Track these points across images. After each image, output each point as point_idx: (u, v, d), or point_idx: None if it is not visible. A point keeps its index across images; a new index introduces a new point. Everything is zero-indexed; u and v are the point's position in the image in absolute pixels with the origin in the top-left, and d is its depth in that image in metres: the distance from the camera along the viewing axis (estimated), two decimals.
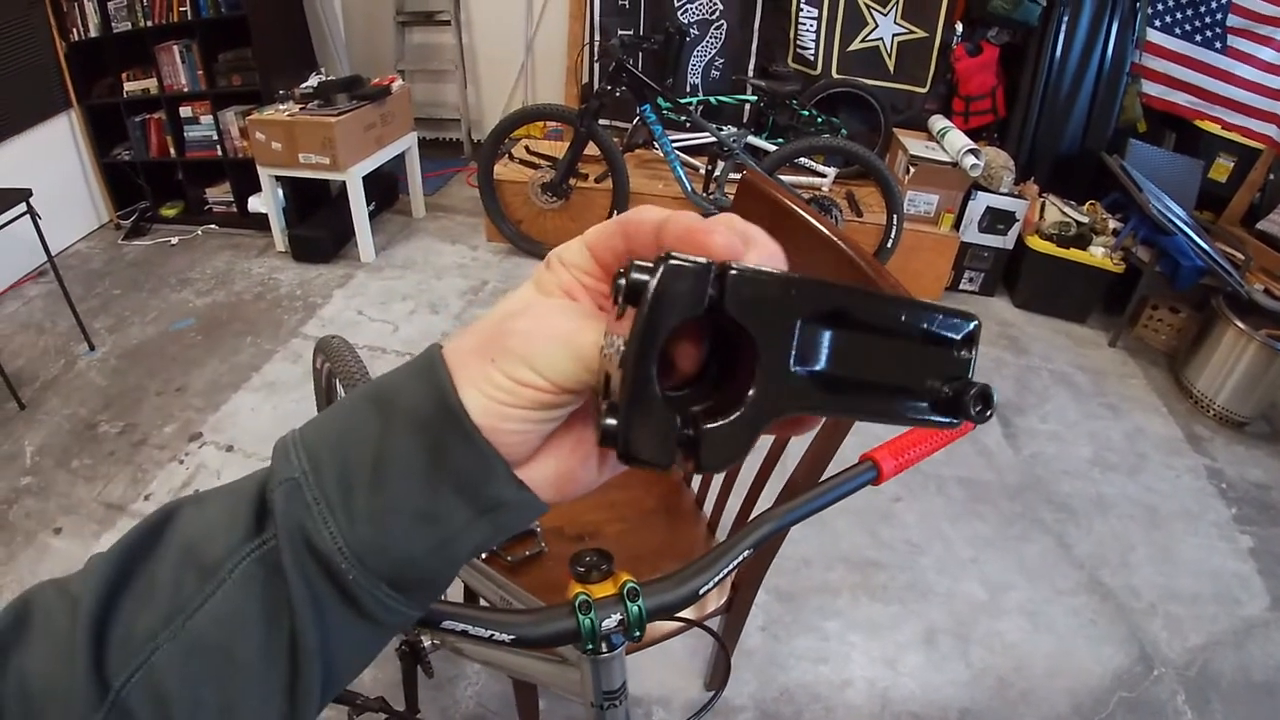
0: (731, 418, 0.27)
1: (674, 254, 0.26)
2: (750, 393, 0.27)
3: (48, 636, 0.31)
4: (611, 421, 0.27)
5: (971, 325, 0.30)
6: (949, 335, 0.30)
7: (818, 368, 0.28)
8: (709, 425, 0.27)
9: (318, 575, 0.30)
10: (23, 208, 2.48)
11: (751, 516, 1.20)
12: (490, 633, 0.56)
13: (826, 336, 0.28)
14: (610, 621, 0.59)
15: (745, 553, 0.63)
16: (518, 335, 0.30)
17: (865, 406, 0.30)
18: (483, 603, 0.98)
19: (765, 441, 1.19)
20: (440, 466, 0.30)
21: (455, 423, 0.30)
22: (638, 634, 0.60)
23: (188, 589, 0.31)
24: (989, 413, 0.29)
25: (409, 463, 0.30)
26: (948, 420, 0.30)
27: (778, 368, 0.27)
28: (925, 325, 0.29)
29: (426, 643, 1.20)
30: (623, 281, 0.26)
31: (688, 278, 0.26)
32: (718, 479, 1.32)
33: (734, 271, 0.26)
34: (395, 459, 0.30)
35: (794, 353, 0.28)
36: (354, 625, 0.31)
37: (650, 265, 0.26)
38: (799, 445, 1.06)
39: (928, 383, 0.30)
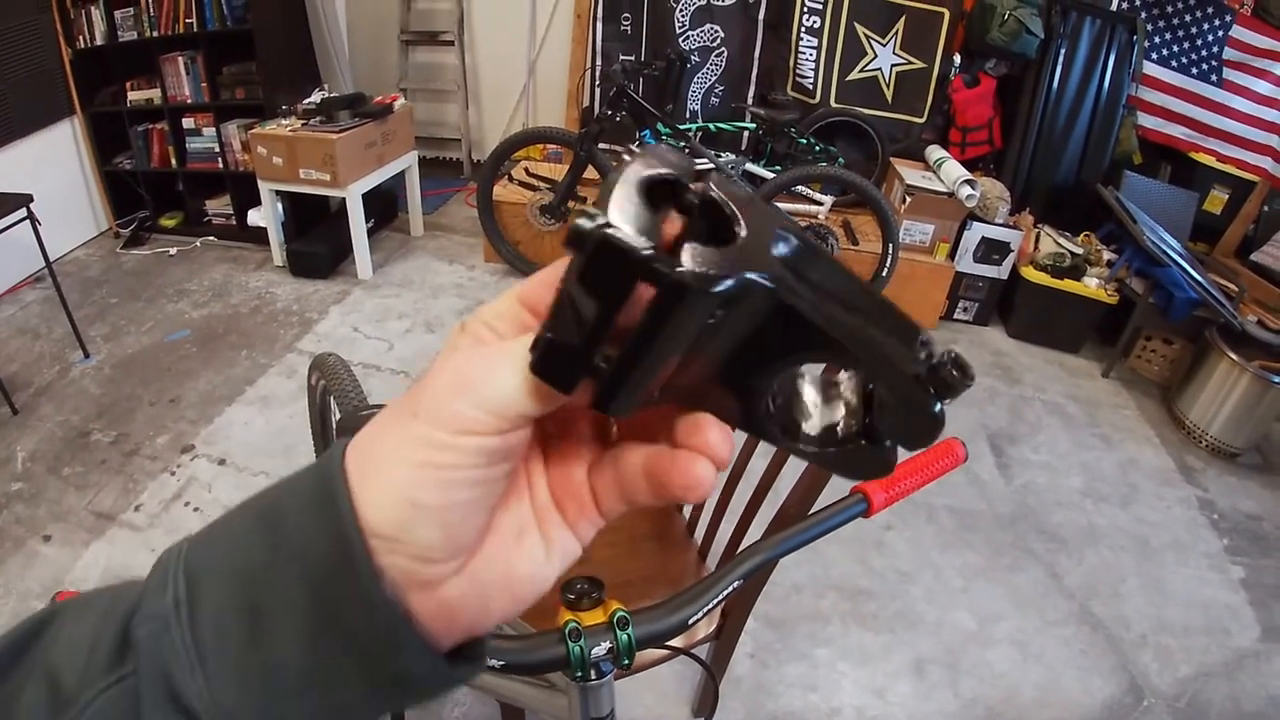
0: (630, 346, 0.24)
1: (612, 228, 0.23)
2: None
3: None
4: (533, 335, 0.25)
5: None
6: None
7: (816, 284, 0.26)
8: (609, 363, 0.25)
9: None
10: (23, 213, 2.49)
11: (742, 545, 1.20)
12: None
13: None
14: (600, 649, 0.59)
15: (735, 583, 0.63)
16: (443, 373, 0.26)
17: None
18: None
19: (756, 470, 1.18)
20: (332, 630, 0.25)
21: (353, 578, 0.25)
22: (627, 662, 0.60)
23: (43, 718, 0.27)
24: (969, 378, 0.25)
25: (292, 619, 0.25)
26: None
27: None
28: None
29: None
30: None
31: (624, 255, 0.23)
32: (709, 507, 1.32)
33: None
34: (277, 611, 0.25)
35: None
36: None
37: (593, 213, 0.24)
38: (791, 474, 1.06)
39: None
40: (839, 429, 0.29)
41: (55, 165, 3.52)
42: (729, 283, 0.24)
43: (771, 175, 3.26)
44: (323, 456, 0.28)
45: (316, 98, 3.36)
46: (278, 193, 3.38)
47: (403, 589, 0.26)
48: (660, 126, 3.20)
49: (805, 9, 3.56)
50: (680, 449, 0.27)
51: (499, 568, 0.28)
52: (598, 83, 3.89)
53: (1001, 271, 3.42)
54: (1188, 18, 3.49)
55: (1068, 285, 3.29)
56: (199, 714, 0.25)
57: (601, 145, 3.19)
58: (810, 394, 0.30)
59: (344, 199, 3.30)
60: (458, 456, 0.25)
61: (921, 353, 0.26)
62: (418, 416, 0.26)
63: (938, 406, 0.26)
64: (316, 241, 3.51)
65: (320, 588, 0.25)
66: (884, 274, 3.18)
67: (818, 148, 3.48)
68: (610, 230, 0.23)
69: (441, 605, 0.27)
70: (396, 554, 0.25)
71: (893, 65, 3.63)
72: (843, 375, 0.30)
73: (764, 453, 1.17)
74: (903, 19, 3.54)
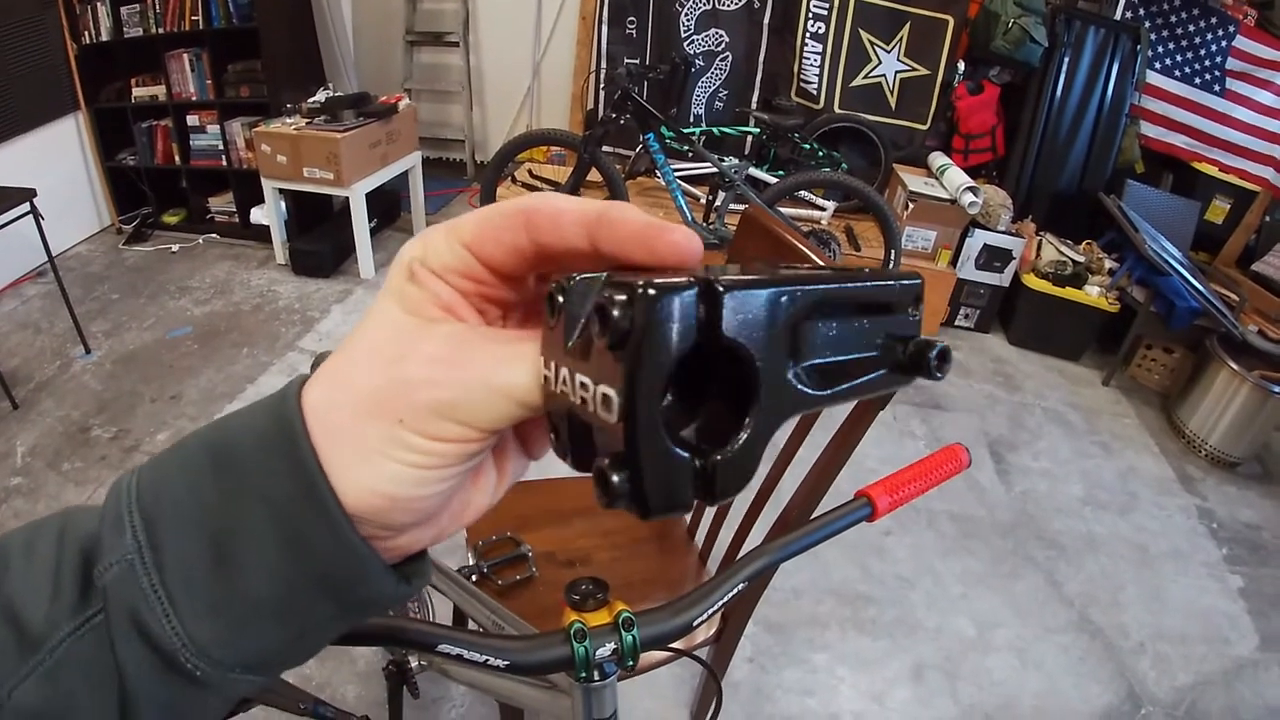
0: (742, 441, 0.24)
1: (653, 282, 0.22)
2: (754, 409, 0.25)
3: None
4: (620, 480, 0.23)
5: (916, 282, 0.29)
6: (903, 299, 0.29)
7: (809, 363, 0.26)
8: (721, 456, 0.24)
9: (158, 666, 0.26)
10: (26, 207, 2.48)
11: (743, 549, 1.20)
12: (484, 658, 0.56)
13: (811, 329, 0.26)
14: (604, 650, 0.59)
15: (740, 586, 0.63)
16: (424, 386, 0.25)
17: (842, 389, 0.28)
18: (472, 626, 0.97)
19: (758, 474, 1.19)
20: (302, 567, 0.26)
21: (323, 518, 0.25)
22: (631, 663, 0.60)
23: (9, 658, 0.27)
24: (947, 367, 0.28)
25: (261, 558, 0.26)
26: (907, 379, 0.29)
27: (778, 376, 0.25)
28: (886, 297, 0.29)
29: (413, 663, 1.20)
30: (562, 299, 0.24)
31: (681, 308, 0.22)
32: (710, 511, 1.32)
33: (725, 291, 0.23)
34: (244, 551, 0.26)
35: (789, 358, 0.25)
36: (198, 701, 0.28)
37: (626, 295, 0.22)
38: (793, 479, 1.06)
39: (886, 348, 0.29)
40: None
41: (59, 160, 3.52)
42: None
43: (775, 180, 3.26)
44: (274, 399, 0.27)
45: (321, 97, 3.37)
46: (281, 191, 3.38)
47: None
48: (664, 130, 3.20)
49: (810, 14, 3.56)
50: None
51: (454, 508, 0.30)
52: (602, 85, 3.90)
53: (1003, 279, 3.42)
54: (1191, 28, 3.49)
55: (1069, 293, 3.29)
56: (174, 651, 0.26)
57: (605, 148, 3.19)
58: None
59: (347, 198, 3.30)
60: (443, 460, 0.26)
61: (903, 344, 0.29)
62: (404, 423, 0.25)
63: (911, 377, 0.29)
64: (319, 240, 3.51)
65: (288, 527, 0.25)
66: None
67: (821, 153, 3.49)
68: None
69: (396, 544, 0.28)
70: (363, 525, 0.26)
71: (897, 72, 3.63)
72: None
73: (766, 457, 1.17)
74: (907, 26, 3.55)
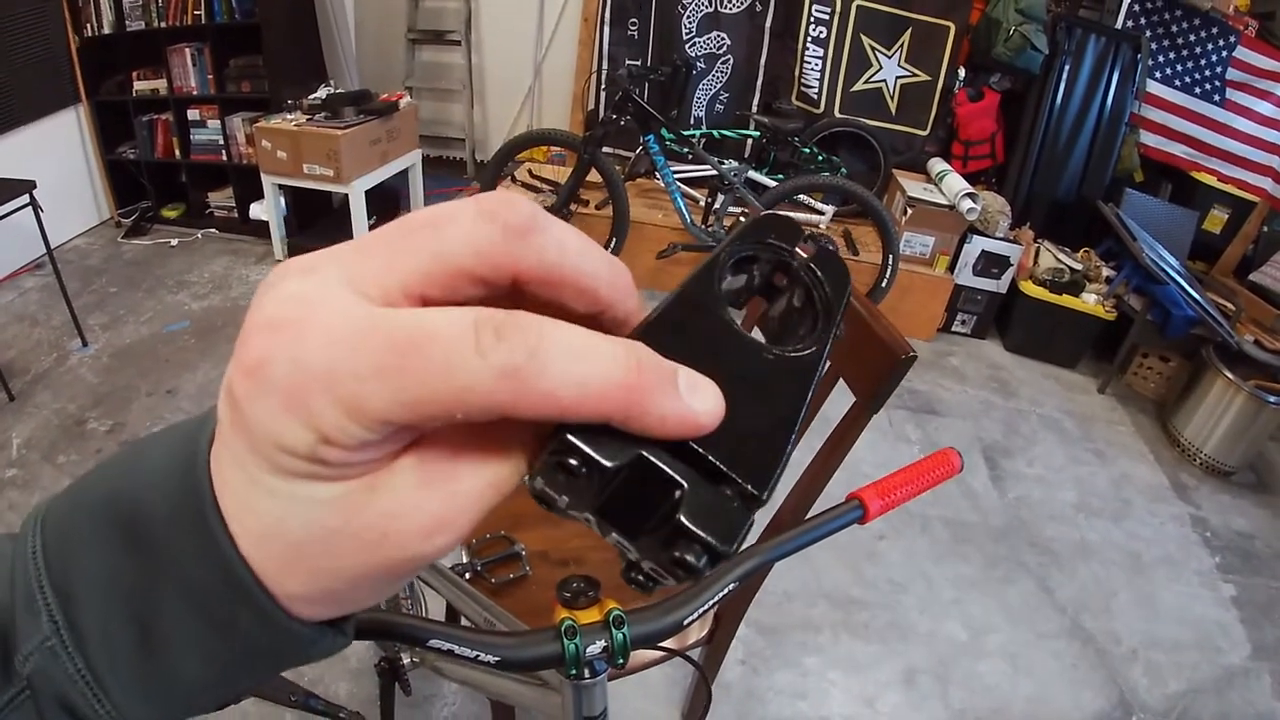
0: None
1: (737, 536, 0.21)
2: None
3: None
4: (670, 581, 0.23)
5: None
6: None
7: None
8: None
9: None
10: (25, 199, 2.48)
11: None
12: (475, 654, 0.56)
13: None
14: (594, 648, 0.59)
15: (731, 585, 0.63)
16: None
17: None
18: (464, 622, 0.98)
19: None
20: (233, 644, 0.24)
21: (245, 600, 0.23)
22: (621, 661, 0.61)
23: None
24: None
25: (189, 639, 0.24)
26: None
27: None
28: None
29: (406, 660, 1.20)
30: (579, 466, 0.21)
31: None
32: None
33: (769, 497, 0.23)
34: (170, 633, 0.24)
35: None
36: None
37: (702, 548, 0.21)
38: (785, 482, 1.07)
39: None
40: None
41: (59, 153, 3.51)
42: None
43: (774, 183, 3.26)
44: (180, 451, 0.24)
45: (322, 93, 3.37)
46: (280, 187, 3.38)
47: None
48: (664, 132, 3.21)
49: (812, 19, 3.57)
50: None
51: None
52: (603, 86, 3.90)
53: (1000, 285, 3.43)
54: (1192, 37, 3.50)
55: (1066, 300, 3.30)
56: None
57: (605, 149, 3.19)
58: None
59: (347, 195, 3.30)
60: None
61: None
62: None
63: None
64: (318, 237, 3.51)
65: (213, 613, 0.23)
66: (883, 285, 3.19)
67: (820, 157, 3.49)
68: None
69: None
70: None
71: (897, 77, 3.64)
72: None
73: None
74: (909, 31, 3.56)
